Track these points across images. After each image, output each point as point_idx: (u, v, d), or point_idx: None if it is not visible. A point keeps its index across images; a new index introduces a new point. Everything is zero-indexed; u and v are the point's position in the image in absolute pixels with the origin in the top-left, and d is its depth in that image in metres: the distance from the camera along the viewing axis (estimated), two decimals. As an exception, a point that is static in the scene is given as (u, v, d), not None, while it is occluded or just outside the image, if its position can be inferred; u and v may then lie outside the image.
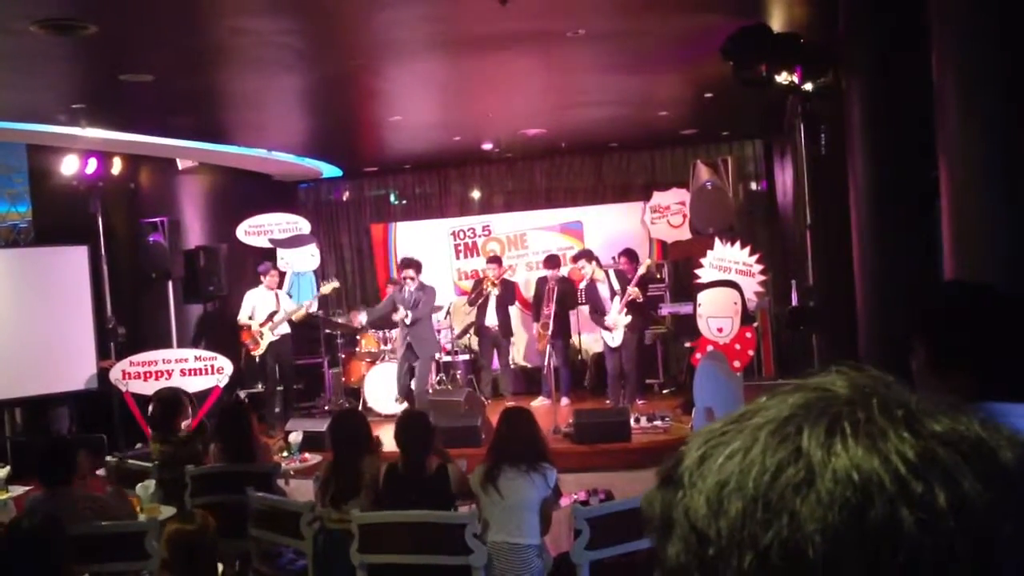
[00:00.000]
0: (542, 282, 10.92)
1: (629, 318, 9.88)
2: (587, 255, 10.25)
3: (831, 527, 0.54)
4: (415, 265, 9.98)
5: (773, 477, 0.57)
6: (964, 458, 0.56)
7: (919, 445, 0.56)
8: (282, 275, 11.07)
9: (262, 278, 10.40)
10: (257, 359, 10.34)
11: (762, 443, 0.59)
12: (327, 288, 10.86)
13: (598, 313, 10.05)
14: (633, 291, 9.83)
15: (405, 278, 9.89)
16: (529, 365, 11.73)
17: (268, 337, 10.21)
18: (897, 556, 0.53)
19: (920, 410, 0.58)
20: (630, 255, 10.56)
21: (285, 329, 10.41)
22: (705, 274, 9.38)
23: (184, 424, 6.58)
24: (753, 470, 0.58)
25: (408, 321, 9.65)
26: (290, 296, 11.11)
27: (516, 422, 5.02)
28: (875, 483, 0.55)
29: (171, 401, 6.52)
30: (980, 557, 0.53)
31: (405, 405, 9.84)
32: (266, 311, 10.29)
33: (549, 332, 10.24)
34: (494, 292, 10.88)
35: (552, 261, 10.89)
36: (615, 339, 9.90)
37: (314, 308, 10.86)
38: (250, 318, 10.34)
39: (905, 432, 0.57)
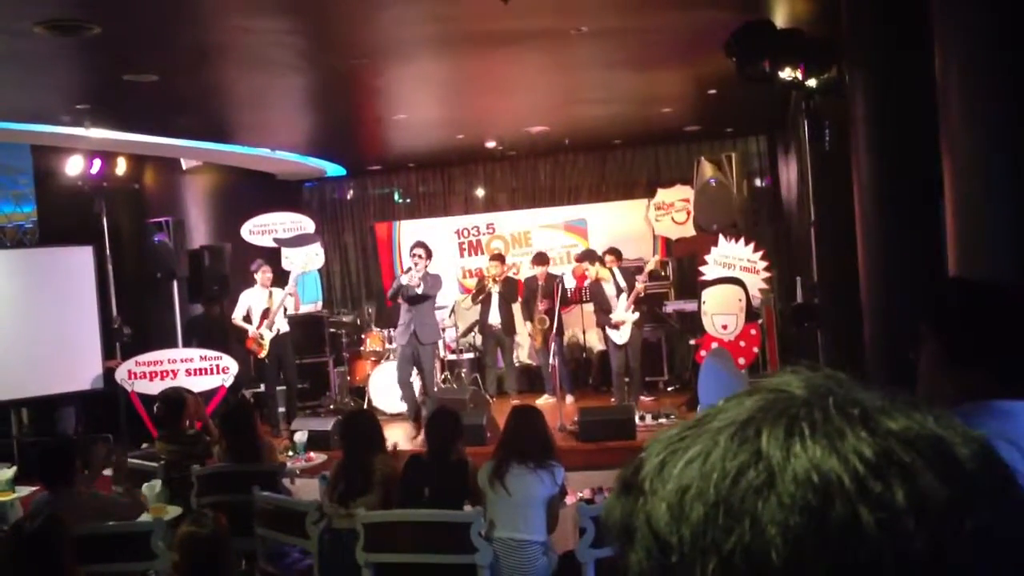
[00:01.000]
0: (532, 281, 10.90)
1: (637, 315, 9.85)
2: (590, 256, 10.22)
3: (792, 530, 0.54)
4: (424, 246, 9.82)
5: (734, 481, 0.56)
6: (921, 455, 0.55)
7: (876, 444, 0.56)
8: (280, 273, 11.00)
9: (255, 276, 10.30)
10: (266, 360, 10.28)
11: (722, 447, 0.58)
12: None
13: (604, 312, 10.02)
14: (639, 287, 9.81)
15: (414, 256, 9.73)
16: (533, 363, 11.73)
17: (268, 335, 10.16)
18: (859, 556, 0.53)
19: (876, 408, 0.58)
20: (615, 253, 10.47)
21: (284, 326, 10.35)
22: (709, 271, 9.39)
23: (194, 420, 6.61)
24: (714, 474, 0.57)
25: (420, 291, 9.50)
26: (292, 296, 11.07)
27: (526, 420, 5.06)
28: (834, 483, 0.54)
29: (176, 401, 6.54)
30: (940, 554, 0.53)
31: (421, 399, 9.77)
32: (260, 310, 10.23)
33: (546, 327, 10.24)
34: (496, 290, 10.87)
35: (541, 259, 10.88)
36: (622, 336, 9.88)
37: (319, 299, 10.75)
38: (245, 319, 10.26)
39: (862, 431, 0.56)
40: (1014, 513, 0.57)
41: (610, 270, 10.08)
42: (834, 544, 0.53)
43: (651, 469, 0.61)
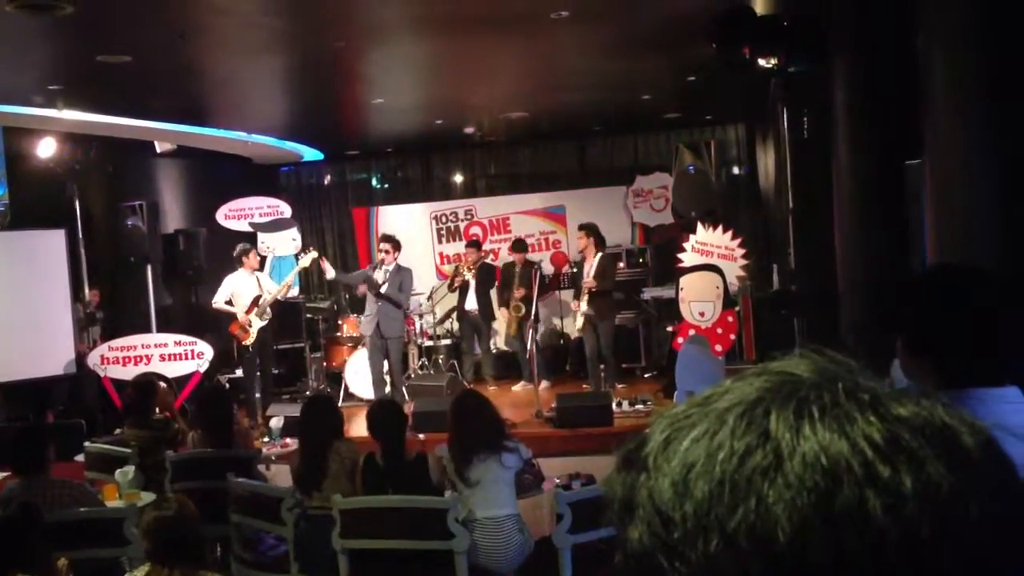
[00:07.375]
0: (509, 267, 10.88)
1: (591, 311, 9.83)
2: (594, 230, 9.99)
3: (799, 510, 0.54)
4: (391, 240, 9.67)
5: (741, 461, 0.56)
6: (929, 443, 0.56)
7: (885, 429, 0.56)
8: (262, 258, 10.85)
9: (243, 259, 9.97)
10: (249, 348, 10.07)
11: (729, 426, 0.58)
12: (306, 261, 10.42)
13: (577, 289, 9.96)
14: (591, 281, 9.71)
15: (382, 252, 9.62)
16: (510, 349, 11.71)
17: (257, 324, 9.92)
18: (864, 540, 0.53)
19: (885, 394, 0.59)
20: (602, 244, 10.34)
21: (269, 313, 10.16)
22: (687, 258, 9.40)
23: (163, 410, 6.54)
24: (720, 453, 0.57)
25: (384, 290, 9.40)
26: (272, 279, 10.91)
27: (467, 411, 4.89)
28: (843, 467, 0.55)
29: (145, 387, 6.50)
30: (946, 541, 0.54)
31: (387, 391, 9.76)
32: (249, 296, 9.99)
33: (522, 315, 10.22)
34: (470, 277, 10.81)
35: (518, 246, 10.86)
36: (577, 322, 9.92)
37: (295, 284, 10.64)
38: (228, 303, 10.01)
39: (872, 416, 0.57)
40: (1016, 504, 0.57)
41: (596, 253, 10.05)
42: (840, 526, 0.53)
43: (655, 446, 0.61)
